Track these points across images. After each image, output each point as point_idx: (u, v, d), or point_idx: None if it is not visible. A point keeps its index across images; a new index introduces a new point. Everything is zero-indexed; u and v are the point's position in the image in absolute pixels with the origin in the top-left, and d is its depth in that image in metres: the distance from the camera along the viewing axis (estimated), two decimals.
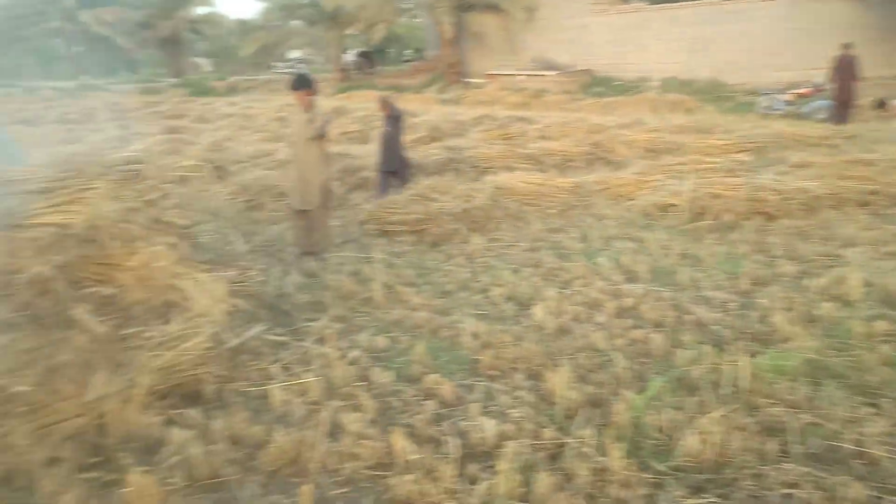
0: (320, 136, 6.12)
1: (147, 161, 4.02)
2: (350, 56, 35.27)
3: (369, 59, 36.30)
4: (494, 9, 24.68)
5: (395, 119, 8.42)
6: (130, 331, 3.53)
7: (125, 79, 36.21)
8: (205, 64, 50.87)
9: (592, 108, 18.87)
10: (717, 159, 9.05)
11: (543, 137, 12.32)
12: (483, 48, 26.71)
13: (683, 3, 21.19)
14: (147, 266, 3.64)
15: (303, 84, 6.18)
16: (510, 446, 3.03)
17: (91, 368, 3.28)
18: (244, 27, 36.39)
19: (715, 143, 10.62)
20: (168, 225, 3.82)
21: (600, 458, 2.97)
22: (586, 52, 23.76)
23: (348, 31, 32.25)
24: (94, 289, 3.52)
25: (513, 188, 8.00)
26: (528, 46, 25.45)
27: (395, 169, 8.38)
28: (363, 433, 3.26)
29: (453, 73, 26.52)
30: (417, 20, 38.01)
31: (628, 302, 4.84)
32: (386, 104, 8.56)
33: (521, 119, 15.30)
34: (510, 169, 9.46)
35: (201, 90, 30.94)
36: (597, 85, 22.57)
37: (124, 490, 2.84)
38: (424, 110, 19.12)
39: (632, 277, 5.39)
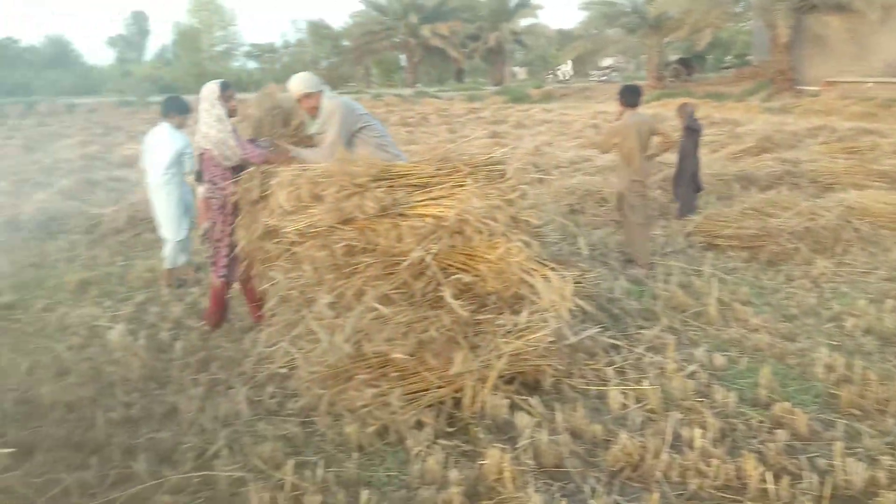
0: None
1: (508, 163, 4.30)
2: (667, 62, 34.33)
3: (688, 65, 34.99)
4: (842, 9, 22.17)
5: (692, 131, 7.87)
6: (485, 317, 3.84)
7: (452, 87, 39.42)
8: (521, 73, 53.44)
9: None
10: None
11: None
12: (821, 53, 24.15)
13: None
14: (503, 260, 3.90)
15: (622, 95, 6.34)
16: (886, 497, 2.70)
17: (452, 346, 3.62)
18: (563, 37, 37.34)
19: None
20: (523, 223, 4.07)
21: None
22: None
23: (669, 38, 31.38)
24: (457, 275, 3.88)
25: (866, 208, 7.12)
26: (880, 50, 22.44)
27: (690, 183, 7.85)
28: (708, 451, 3.14)
29: (784, 80, 24.44)
30: (744, 24, 35.65)
31: None
32: (683, 114, 8.01)
33: (870, 132, 13.57)
34: (859, 186, 8.44)
35: (519, 97, 32.49)
36: None
37: (482, 462, 3.09)
38: (748, 119, 17.89)
39: None
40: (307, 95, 4.59)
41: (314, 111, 4.62)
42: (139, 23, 69.91)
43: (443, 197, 3.99)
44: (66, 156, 15.08)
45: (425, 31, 40.90)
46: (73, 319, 5.16)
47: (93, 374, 4.19)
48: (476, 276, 3.95)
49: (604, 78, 42.80)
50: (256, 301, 4.78)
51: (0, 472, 2.64)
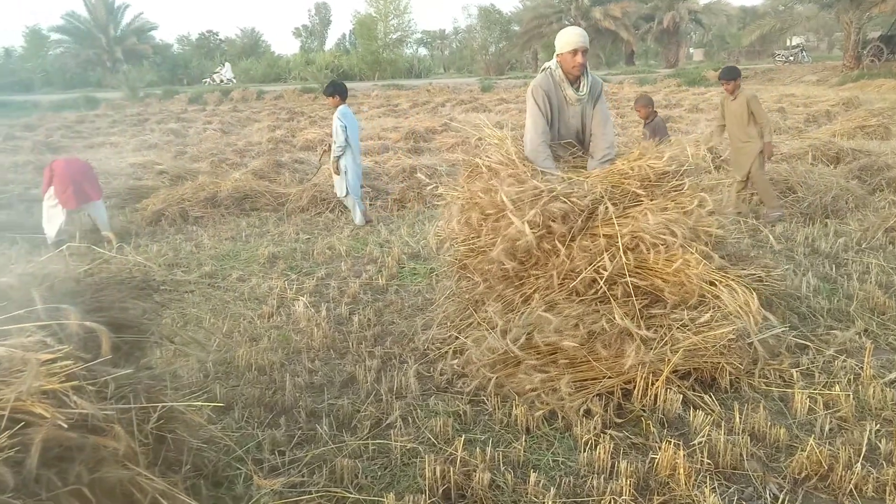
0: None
1: (688, 173, 4.10)
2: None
3: (891, 42, 31.50)
4: None
5: (655, 129, 6.94)
6: (659, 311, 3.72)
7: (622, 70, 38.22)
8: (697, 54, 50.73)
9: None
10: None
11: None
12: None
13: None
14: (682, 272, 3.74)
15: (734, 74, 6.98)
16: None
17: (624, 337, 3.55)
18: (746, 14, 34.99)
19: None
20: (703, 233, 3.88)
21: None
22: None
23: (870, 13, 28.43)
24: (631, 279, 3.75)
25: None
26: None
27: None
28: None
29: None
30: None
31: None
32: (644, 108, 7.09)
33: None
34: None
35: (694, 80, 30.91)
36: None
37: (654, 456, 3.01)
38: None
39: None
40: (586, 50, 4.19)
41: (579, 69, 4.26)
42: (322, 14, 74.12)
43: (618, 218, 3.87)
44: (256, 139, 16.37)
45: (596, 13, 39.93)
46: (264, 290, 5.61)
47: (281, 341, 4.55)
48: (652, 289, 3.82)
49: (790, 58, 39.59)
50: None
51: (206, 422, 2.93)
